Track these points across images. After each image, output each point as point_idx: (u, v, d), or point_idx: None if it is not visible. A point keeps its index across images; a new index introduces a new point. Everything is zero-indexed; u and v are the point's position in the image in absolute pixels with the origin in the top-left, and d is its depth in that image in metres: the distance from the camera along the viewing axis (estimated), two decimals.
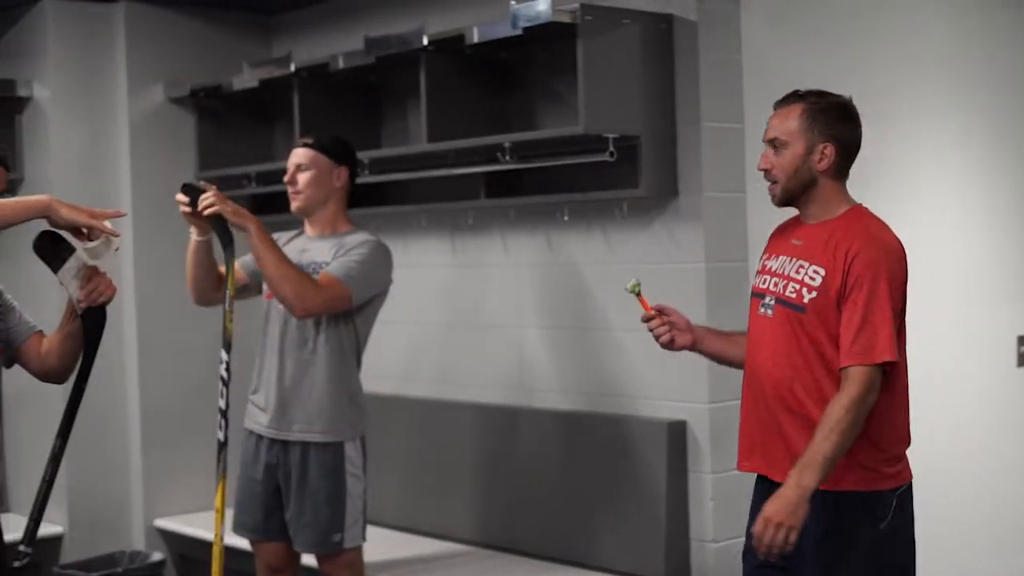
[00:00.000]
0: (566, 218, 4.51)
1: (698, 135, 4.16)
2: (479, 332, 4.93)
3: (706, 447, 4.18)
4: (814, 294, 3.00)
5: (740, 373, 3.23)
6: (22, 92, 5.50)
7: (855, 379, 2.93)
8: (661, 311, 3.27)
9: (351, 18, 5.35)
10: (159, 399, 5.56)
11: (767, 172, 3.11)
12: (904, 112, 4.88)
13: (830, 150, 3.06)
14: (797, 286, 3.04)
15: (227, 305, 3.76)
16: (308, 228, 4.19)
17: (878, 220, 3.09)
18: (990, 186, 5.24)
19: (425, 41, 4.54)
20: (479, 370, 4.93)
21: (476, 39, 4.40)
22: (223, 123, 5.65)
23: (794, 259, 3.08)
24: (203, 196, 3.79)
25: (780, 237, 3.21)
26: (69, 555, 5.42)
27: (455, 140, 4.56)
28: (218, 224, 3.80)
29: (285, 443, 4.07)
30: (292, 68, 5.08)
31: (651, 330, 3.27)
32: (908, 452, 3.14)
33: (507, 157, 4.41)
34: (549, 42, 4.37)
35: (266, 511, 4.12)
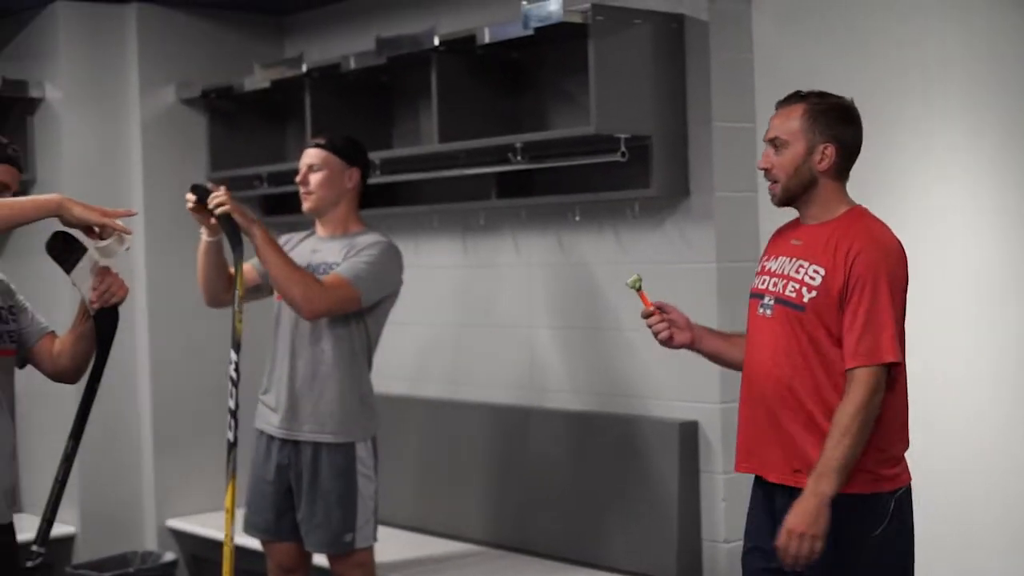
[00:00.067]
0: (577, 218, 4.51)
1: (709, 135, 4.16)
2: (490, 332, 4.94)
3: (718, 447, 4.18)
4: (814, 293, 3.01)
5: None
6: (34, 93, 5.51)
7: (861, 381, 2.93)
8: (661, 308, 3.28)
9: (363, 19, 5.36)
10: (171, 399, 5.56)
11: (767, 171, 3.12)
12: (915, 112, 4.86)
13: (831, 151, 3.06)
14: (797, 285, 3.04)
15: (236, 306, 3.77)
16: (319, 228, 4.20)
17: (878, 221, 3.09)
18: (1001, 186, 5.21)
19: (436, 42, 4.54)
20: (490, 370, 4.93)
21: (487, 39, 4.40)
22: (235, 124, 5.65)
23: (794, 259, 3.08)
24: (213, 195, 3.80)
25: (779, 238, 3.22)
26: (81, 555, 5.43)
27: (466, 140, 4.56)
28: (227, 225, 3.80)
29: (296, 443, 4.07)
30: (304, 69, 5.08)
31: (650, 326, 3.28)
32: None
33: (518, 157, 4.41)
34: (560, 42, 4.37)
35: (277, 511, 4.12)
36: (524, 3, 4.15)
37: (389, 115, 5.27)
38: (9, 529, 3.20)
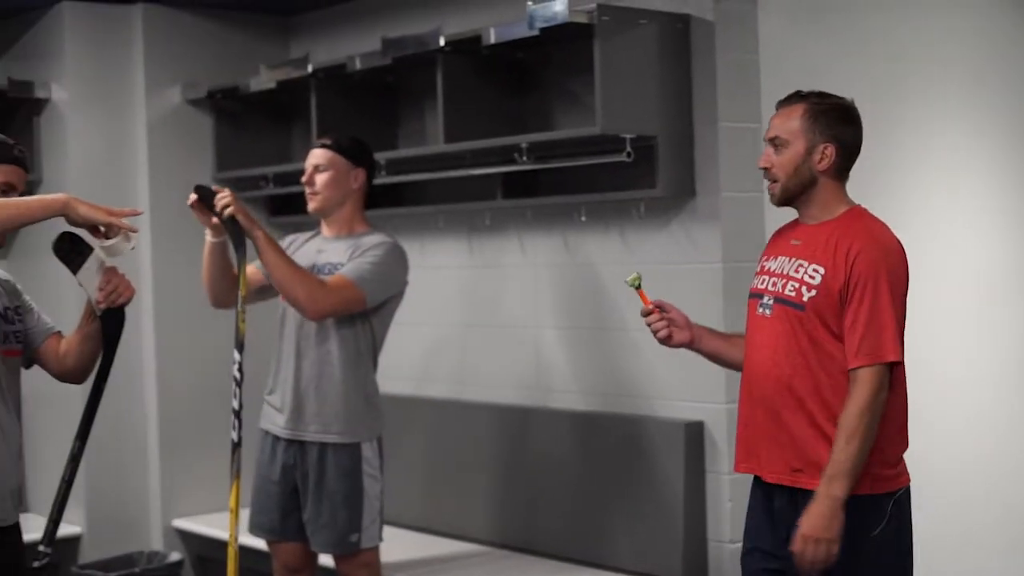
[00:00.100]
0: (583, 218, 4.51)
1: (715, 135, 4.16)
2: (496, 333, 4.94)
3: (723, 448, 4.17)
4: (814, 292, 3.01)
5: None
6: (40, 94, 5.52)
7: (865, 380, 2.94)
8: (660, 307, 3.28)
9: (368, 19, 5.36)
10: (177, 400, 5.57)
11: (767, 171, 3.13)
12: (919, 113, 4.87)
13: (831, 150, 3.07)
14: (796, 284, 3.05)
15: (239, 306, 3.77)
16: (325, 229, 4.20)
17: (878, 221, 3.10)
18: (1006, 186, 5.23)
19: (442, 42, 4.54)
20: (496, 371, 4.93)
21: (493, 40, 4.41)
22: (240, 124, 5.66)
23: (793, 259, 3.09)
24: (219, 196, 3.80)
25: (778, 239, 3.23)
26: (88, 555, 5.44)
27: (472, 141, 4.56)
28: (231, 226, 3.81)
29: (302, 444, 4.07)
30: (309, 69, 5.09)
31: (649, 325, 3.29)
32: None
33: (524, 158, 4.41)
34: (566, 42, 4.37)
35: (283, 512, 4.12)
36: (530, 3, 4.15)
37: (395, 115, 5.27)
38: (15, 529, 3.20)
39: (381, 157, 4.71)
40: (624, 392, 4.47)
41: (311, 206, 4.16)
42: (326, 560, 4.24)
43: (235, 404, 3.67)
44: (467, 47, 4.54)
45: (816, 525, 2.92)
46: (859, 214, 3.10)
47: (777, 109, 3.15)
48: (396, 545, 4.63)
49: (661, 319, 3.27)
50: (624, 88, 4.10)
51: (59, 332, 3.34)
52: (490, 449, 4.88)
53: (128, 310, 3.27)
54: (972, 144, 5.09)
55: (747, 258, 4.18)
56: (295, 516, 4.12)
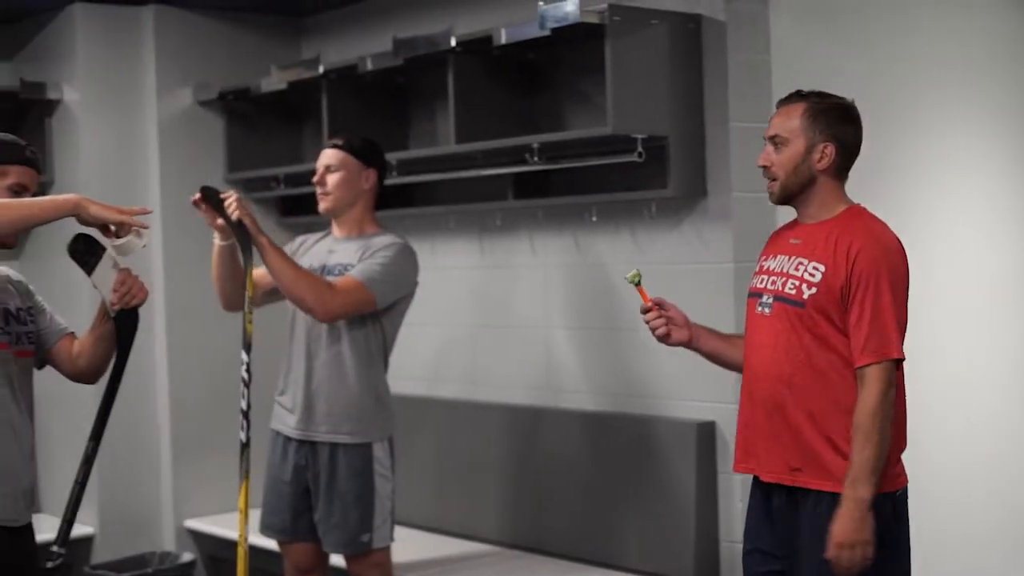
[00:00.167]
0: (594, 219, 4.50)
1: (726, 135, 4.15)
2: (507, 333, 4.94)
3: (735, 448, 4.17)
4: (814, 290, 3.02)
5: None
6: (52, 95, 5.53)
7: (874, 378, 2.95)
8: (660, 305, 3.28)
9: (379, 20, 5.36)
10: (189, 400, 5.58)
11: (767, 169, 3.15)
12: (931, 114, 4.86)
13: (830, 149, 3.07)
14: (796, 282, 3.05)
15: (246, 307, 3.77)
16: (335, 229, 4.20)
17: (877, 219, 3.10)
18: (1017, 188, 5.21)
19: (453, 42, 4.54)
20: (507, 371, 4.93)
21: (504, 40, 4.41)
22: (252, 125, 5.67)
23: (793, 257, 3.09)
24: (228, 200, 3.80)
25: (777, 238, 3.24)
26: (100, 555, 5.45)
27: (483, 141, 4.56)
28: (238, 229, 3.81)
29: (313, 444, 4.08)
30: (320, 70, 5.09)
31: (647, 323, 3.29)
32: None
33: (535, 158, 4.41)
34: (577, 43, 4.37)
35: (294, 512, 4.13)
36: (541, 4, 4.15)
37: (406, 116, 5.28)
38: (28, 530, 3.21)
39: (392, 158, 4.72)
40: (635, 392, 4.47)
41: (322, 206, 4.16)
42: (337, 560, 4.25)
43: (243, 405, 3.68)
44: (478, 47, 4.54)
45: (847, 529, 2.92)
46: (858, 213, 3.11)
47: (777, 108, 3.17)
48: (407, 545, 4.63)
49: (660, 317, 3.27)
50: (635, 88, 4.10)
51: (72, 333, 3.35)
52: (501, 449, 4.88)
53: (140, 311, 3.28)
54: (984, 145, 5.08)
55: (758, 258, 4.18)
56: (306, 516, 4.12)
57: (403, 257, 4.07)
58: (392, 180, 4.75)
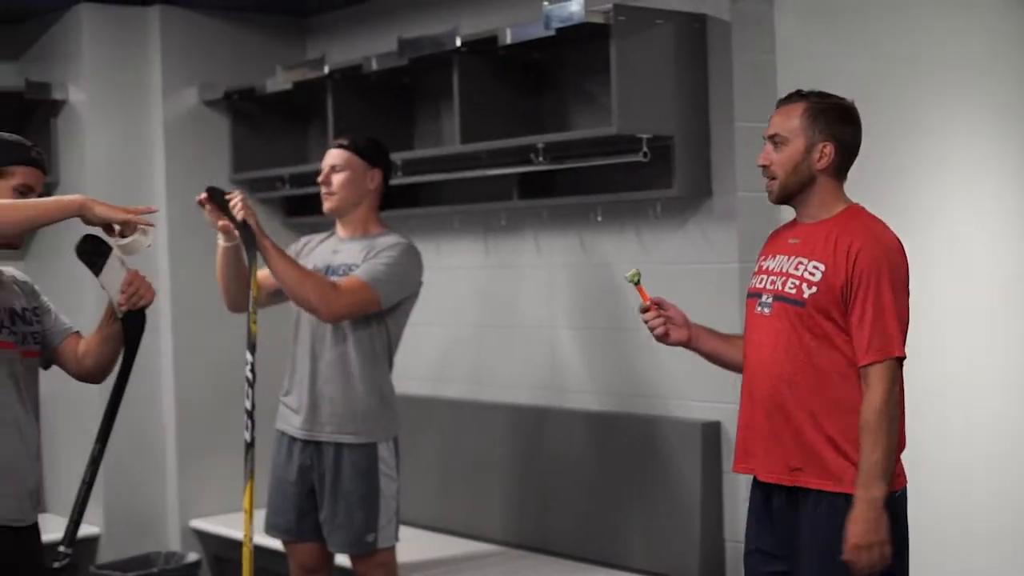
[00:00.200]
0: (599, 219, 4.50)
1: (732, 135, 4.15)
2: (512, 333, 4.94)
3: None
4: (814, 289, 3.02)
5: None
6: (57, 95, 5.54)
7: (879, 377, 2.96)
8: (659, 304, 3.28)
9: (384, 20, 5.37)
10: (194, 400, 5.58)
11: (766, 168, 3.15)
12: (937, 114, 4.85)
13: (829, 149, 3.08)
14: (797, 282, 3.05)
15: (251, 307, 3.78)
16: (340, 229, 4.21)
17: (876, 218, 3.11)
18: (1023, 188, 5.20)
19: (458, 42, 4.54)
20: (512, 371, 4.93)
21: (509, 40, 4.41)
22: (257, 125, 5.67)
23: (792, 257, 3.10)
24: (233, 201, 3.81)
25: (776, 239, 3.24)
26: (106, 555, 5.45)
27: (488, 141, 4.56)
28: (243, 229, 3.82)
29: (318, 444, 4.08)
30: (326, 70, 5.10)
31: (646, 322, 3.29)
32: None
33: (540, 158, 4.41)
34: (582, 43, 4.37)
35: (299, 512, 4.13)
36: (546, 4, 4.15)
37: (411, 116, 5.28)
38: (34, 529, 3.21)
39: (397, 158, 4.71)
40: (640, 392, 4.47)
41: (327, 206, 4.17)
42: (342, 560, 4.25)
43: (247, 405, 3.68)
44: (483, 47, 4.54)
45: (862, 531, 2.93)
46: (857, 212, 3.11)
47: (777, 107, 3.17)
48: (412, 545, 4.64)
49: (658, 316, 3.27)
50: (640, 88, 4.10)
51: (77, 332, 3.35)
52: (506, 449, 4.88)
53: (146, 312, 3.28)
54: (988, 145, 5.08)
55: None
56: (311, 516, 4.12)
57: (407, 257, 4.08)
58: (397, 180, 4.75)
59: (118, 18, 5.51)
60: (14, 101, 5.45)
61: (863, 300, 2.97)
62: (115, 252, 3.16)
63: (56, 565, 3.20)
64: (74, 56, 5.51)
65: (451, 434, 5.10)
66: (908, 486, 3.10)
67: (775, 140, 3.12)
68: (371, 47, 5.19)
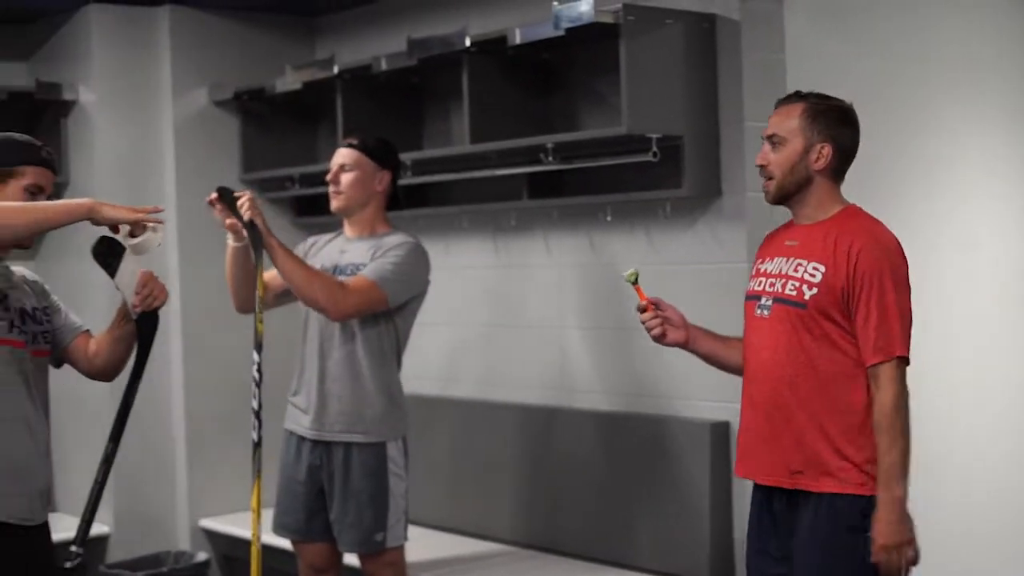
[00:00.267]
0: (609, 218, 4.50)
1: (741, 135, 4.15)
2: (521, 333, 4.94)
3: None
4: (815, 290, 3.02)
5: None
6: (67, 96, 5.54)
7: (887, 377, 2.96)
8: (657, 304, 3.28)
9: (394, 20, 5.37)
10: (204, 400, 5.59)
11: (763, 168, 3.15)
12: (952, 114, 4.84)
13: (827, 150, 3.08)
14: (797, 283, 3.05)
15: (257, 307, 3.78)
16: (347, 229, 4.21)
17: (874, 219, 3.11)
18: None
19: (467, 42, 4.55)
20: (521, 371, 4.93)
21: (518, 40, 4.41)
22: (266, 125, 5.68)
23: (791, 259, 3.10)
24: (241, 201, 3.81)
25: (772, 241, 3.24)
26: (115, 554, 5.46)
27: (497, 141, 4.56)
28: (250, 229, 3.83)
29: (328, 444, 4.08)
30: (335, 70, 5.10)
31: (643, 322, 3.28)
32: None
33: (550, 158, 4.41)
34: (591, 43, 4.37)
35: (308, 512, 4.13)
36: (555, 4, 4.15)
37: (420, 116, 5.28)
38: (44, 529, 3.22)
39: (406, 158, 4.72)
40: (649, 392, 4.47)
41: (334, 205, 4.17)
42: (351, 560, 4.25)
43: (254, 404, 3.69)
44: (492, 47, 4.54)
45: (889, 532, 2.93)
46: (855, 212, 3.11)
47: (776, 108, 3.17)
48: (421, 545, 4.64)
49: (656, 317, 3.27)
50: (650, 88, 4.10)
51: (87, 331, 3.36)
52: (515, 449, 4.88)
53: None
54: (999, 145, 5.06)
55: None
56: (321, 516, 4.13)
57: (415, 256, 4.08)
58: (406, 180, 4.76)
59: (128, 18, 5.52)
60: (24, 101, 5.46)
61: (867, 301, 2.97)
62: (128, 253, 3.17)
63: (68, 565, 3.20)
64: (84, 56, 5.52)
65: (460, 434, 5.10)
66: (911, 486, 3.08)
67: (773, 140, 3.12)
68: (380, 47, 5.19)
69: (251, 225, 3.80)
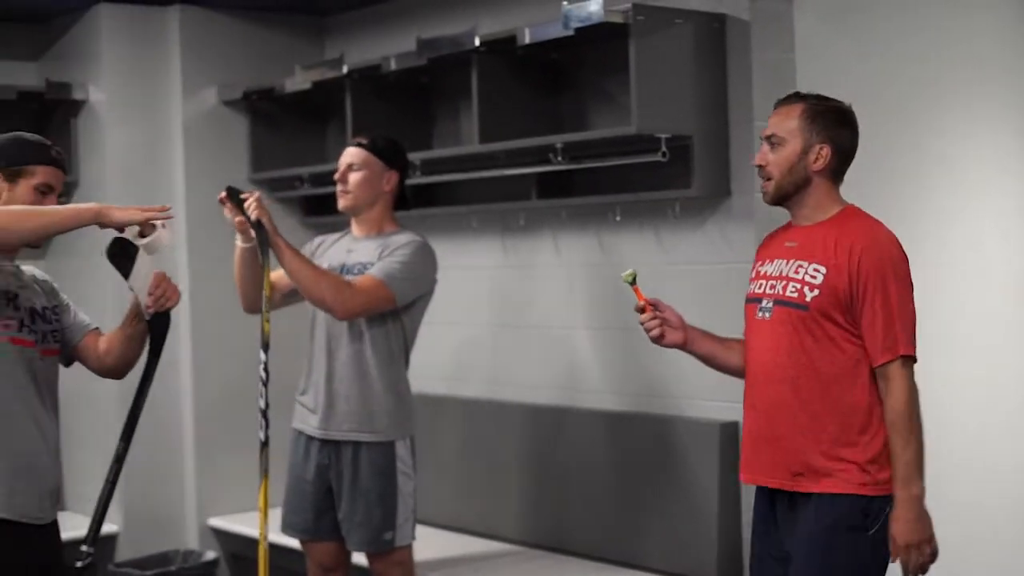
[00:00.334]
0: (618, 218, 4.50)
1: (751, 135, 4.14)
2: (529, 333, 4.94)
3: None
4: (816, 292, 3.02)
5: None
6: (77, 95, 5.56)
7: (897, 375, 2.96)
8: (655, 305, 3.27)
9: (403, 20, 5.37)
10: (212, 399, 5.60)
11: (762, 168, 3.14)
12: (961, 113, 4.83)
13: (826, 151, 3.07)
14: (798, 285, 3.05)
15: (264, 306, 3.79)
16: (354, 228, 4.21)
17: (874, 219, 3.10)
18: None
19: (477, 42, 4.55)
20: (529, 371, 4.93)
21: (528, 40, 4.41)
22: (276, 125, 5.68)
23: (791, 260, 3.09)
24: (248, 200, 3.82)
25: (771, 243, 3.23)
26: (124, 553, 5.47)
27: (506, 141, 4.56)
28: (258, 229, 3.83)
29: (336, 443, 4.09)
30: (344, 70, 5.10)
31: (642, 323, 3.28)
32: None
33: (559, 158, 4.41)
34: (601, 42, 4.37)
35: (317, 511, 4.14)
36: (564, 3, 4.15)
37: (429, 116, 5.28)
38: (53, 527, 3.23)
39: (415, 157, 4.72)
40: (658, 392, 4.47)
41: (341, 204, 4.17)
42: (359, 559, 4.26)
43: (261, 404, 3.69)
44: (502, 47, 4.55)
45: (908, 531, 2.94)
46: (854, 213, 3.11)
47: (775, 108, 3.17)
48: (429, 544, 4.64)
49: (654, 318, 3.26)
50: (659, 88, 4.09)
51: (97, 328, 3.37)
52: (523, 449, 4.88)
53: None
54: (1007, 144, 5.05)
55: None
56: (329, 515, 4.13)
57: (422, 255, 4.08)
58: (415, 180, 4.76)
59: (138, 18, 5.53)
60: (34, 101, 5.48)
61: (872, 303, 2.97)
62: (142, 253, 3.18)
63: (79, 564, 3.21)
64: (94, 56, 5.53)
65: (468, 433, 5.10)
66: None
67: (772, 140, 3.12)
68: (390, 47, 5.19)
69: (258, 224, 3.81)
